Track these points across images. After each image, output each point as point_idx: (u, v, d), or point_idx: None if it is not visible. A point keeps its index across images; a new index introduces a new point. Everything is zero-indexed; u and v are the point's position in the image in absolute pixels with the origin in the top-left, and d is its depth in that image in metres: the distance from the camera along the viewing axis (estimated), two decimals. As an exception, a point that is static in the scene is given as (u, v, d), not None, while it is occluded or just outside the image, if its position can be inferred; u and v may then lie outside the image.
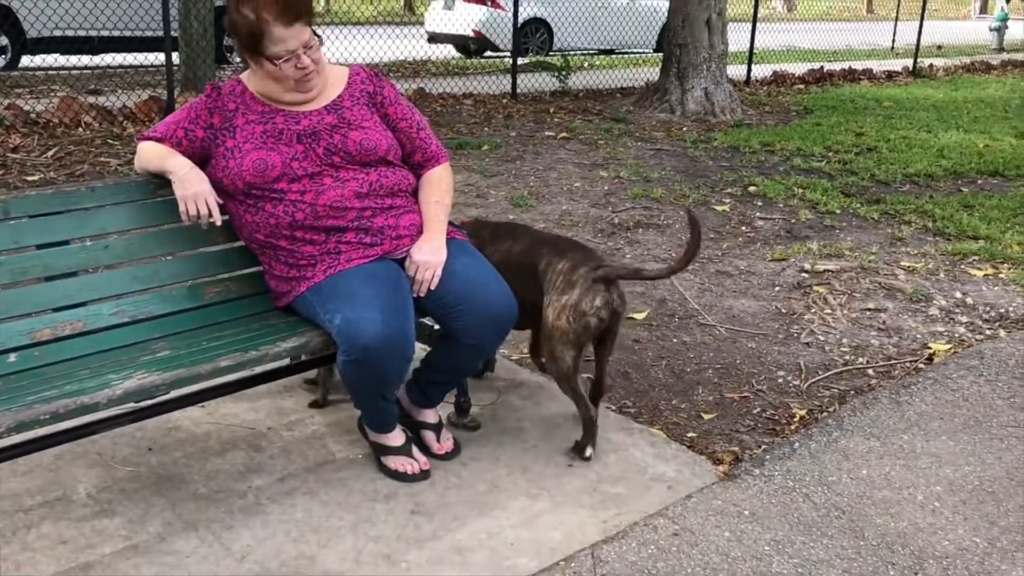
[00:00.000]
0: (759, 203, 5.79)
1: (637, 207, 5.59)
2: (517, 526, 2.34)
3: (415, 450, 2.59)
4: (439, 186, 2.58)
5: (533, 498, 2.46)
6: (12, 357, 2.17)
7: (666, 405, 3.07)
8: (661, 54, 10.05)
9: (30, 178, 5.58)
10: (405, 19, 22.85)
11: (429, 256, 2.44)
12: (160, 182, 2.46)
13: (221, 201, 2.42)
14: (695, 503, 2.45)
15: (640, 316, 3.83)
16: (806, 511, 2.42)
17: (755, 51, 12.10)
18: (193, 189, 2.37)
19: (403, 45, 12.20)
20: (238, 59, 11.62)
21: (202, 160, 2.45)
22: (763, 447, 2.79)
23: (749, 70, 12.00)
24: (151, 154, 2.45)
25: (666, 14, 13.03)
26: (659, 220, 5.31)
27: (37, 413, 1.91)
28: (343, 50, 9.82)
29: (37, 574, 2.10)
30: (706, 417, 2.99)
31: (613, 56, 15.54)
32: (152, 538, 2.25)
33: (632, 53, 15.97)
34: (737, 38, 10.93)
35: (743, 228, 5.23)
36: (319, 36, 2.41)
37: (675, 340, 3.62)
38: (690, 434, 2.87)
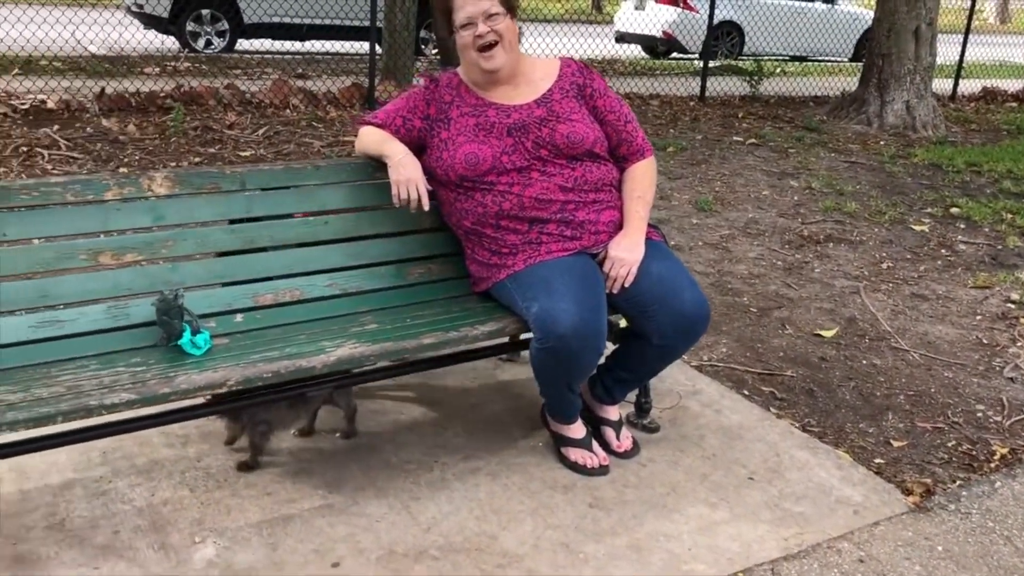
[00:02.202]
0: (961, 225, 5.46)
1: (828, 220, 5.40)
2: (695, 532, 2.33)
3: (595, 444, 2.62)
4: (642, 181, 2.59)
5: (712, 507, 2.44)
6: (239, 317, 2.36)
7: (852, 428, 2.97)
8: (858, 63, 9.62)
9: (243, 154, 5.99)
10: (593, 18, 22.90)
11: (626, 253, 2.46)
12: (377, 166, 2.59)
13: (430, 188, 2.54)
14: (883, 531, 2.36)
15: (828, 334, 3.71)
16: (1007, 555, 2.28)
17: (963, 65, 11.38)
18: (407, 175, 2.49)
19: (590, 44, 12.23)
20: (433, 51, 12.04)
21: (417, 148, 2.56)
22: (958, 482, 2.65)
23: (956, 84, 11.30)
24: (372, 138, 2.59)
25: (867, 22, 12.44)
26: (852, 235, 5.11)
27: (261, 371, 2.07)
28: (530, 46, 9.97)
29: (245, 519, 2.27)
30: (895, 444, 2.87)
31: (806, 63, 15.01)
32: (346, 500, 2.38)
33: (827, 61, 15.37)
34: (943, 51, 10.32)
35: (943, 251, 4.95)
36: (510, 14, 2.46)
37: (864, 362, 3.48)
38: (877, 460, 2.76)
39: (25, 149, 5.55)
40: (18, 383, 1.98)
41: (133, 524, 2.23)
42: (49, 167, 5.30)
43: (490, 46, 2.46)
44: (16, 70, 8.02)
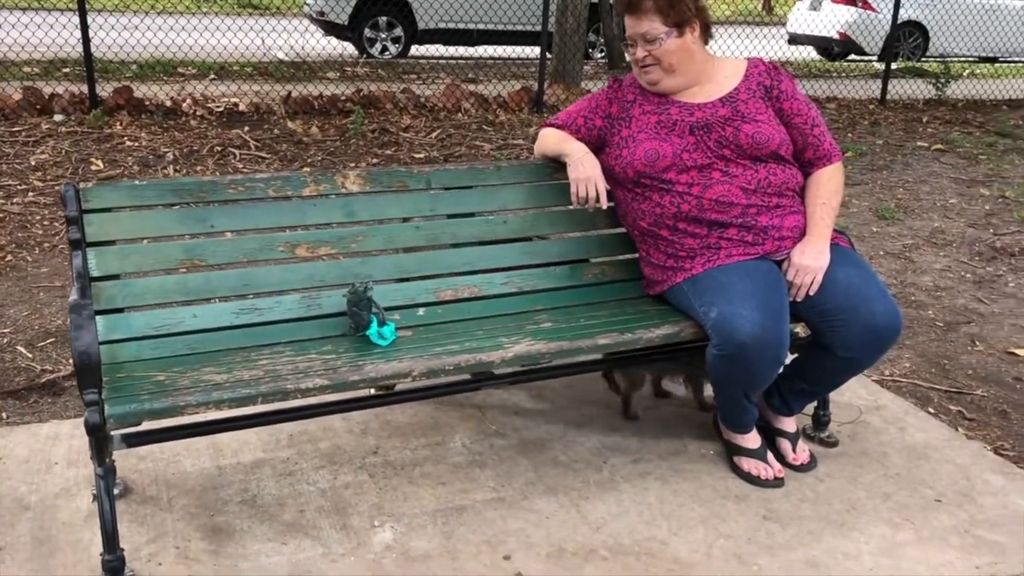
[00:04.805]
0: None
1: (1024, 232, 5.04)
2: (876, 553, 2.22)
3: (770, 456, 2.54)
4: (827, 187, 2.50)
5: (895, 527, 2.32)
6: (421, 311, 2.44)
7: (1053, 454, 2.75)
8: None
9: (417, 155, 6.19)
10: (763, 19, 22.29)
11: (811, 261, 2.38)
12: (556, 167, 2.62)
13: (608, 187, 2.54)
14: (1091, 568, 2.18)
15: (1025, 352, 3.46)
16: None
17: None
18: (586, 173, 2.50)
19: (761, 45, 11.90)
20: (598, 54, 12.05)
21: (597, 148, 2.57)
22: None
23: None
24: (552, 139, 2.62)
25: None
26: (1051, 249, 4.74)
27: (444, 363, 2.13)
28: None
29: (420, 507, 2.35)
30: (1103, 475, 2.64)
31: (998, 64, 14.04)
32: (516, 494, 2.42)
33: (1021, 62, 14.32)
34: None
35: None
36: (679, 31, 2.42)
37: (1066, 384, 3.22)
38: (1083, 491, 2.55)
39: (219, 149, 5.95)
40: (222, 364, 2.12)
41: (317, 504, 2.35)
42: (240, 165, 5.66)
43: (648, 65, 2.46)
44: (211, 75, 8.61)
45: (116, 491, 2.30)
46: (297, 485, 2.43)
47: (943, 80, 9.71)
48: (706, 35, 2.51)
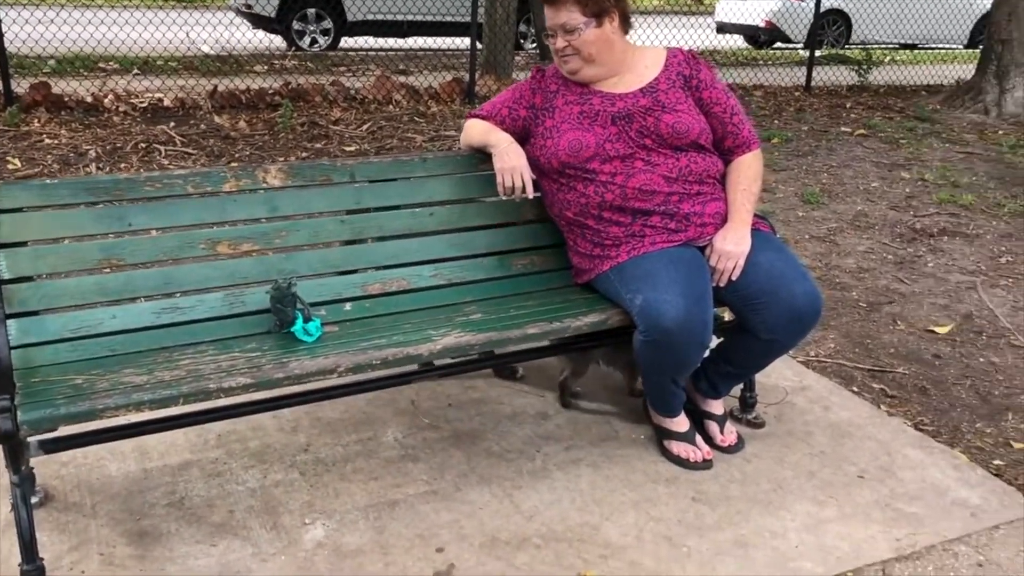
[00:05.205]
0: (1089, 219, 5.17)
1: (942, 213, 5.19)
2: (802, 530, 2.28)
3: (699, 438, 2.59)
4: (747, 173, 2.54)
5: (820, 504, 2.38)
6: (348, 306, 2.42)
7: (969, 428, 2.85)
8: (973, 50, 9.21)
9: (347, 148, 6.12)
10: (692, 9, 22.55)
11: (732, 246, 2.42)
12: (482, 157, 2.62)
13: (534, 176, 2.55)
14: (1004, 535, 2.26)
15: (943, 330, 3.57)
16: None
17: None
18: (511, 163, 2.50)
19: (690, 35, 12.07)
20: (531, 45, 12.06)
21: (522, 139, 2.58)
22: (1086, 487, 2.52)
23: (1082, 70, 10.67)
24: (477, 130, 2.61)
25: (984, 7, 11.92)
26: (968, 229, 4.90)
27: (371, 358, 2.11)
28: (629, 39, 9.86)
29: (352, 503, 2.33)
30: (1016, 446, 2.74)
31: (916, 51, 14.43)
32: (449, 486, 2.42)
33: (939, 48, 14.75)
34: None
35: (1068, 245, 4.70)
36: (597, 20, 2.44)
37: (982, 359, 3.34)
38: (997, 461, 2.64)
39: (144, 145, 5.81)
40: (143, 366, 2.08)
41: (247, 504, 2.32)
42: (166, 162, 5.54)
43: (568, 55, 2.48)
44: (135, 70, 8.40)
45: (36, 499, 2.24)
46: (226, 485, 2.39)
47: (865, 67, 9.94)
48: (625, 25, 2.53)
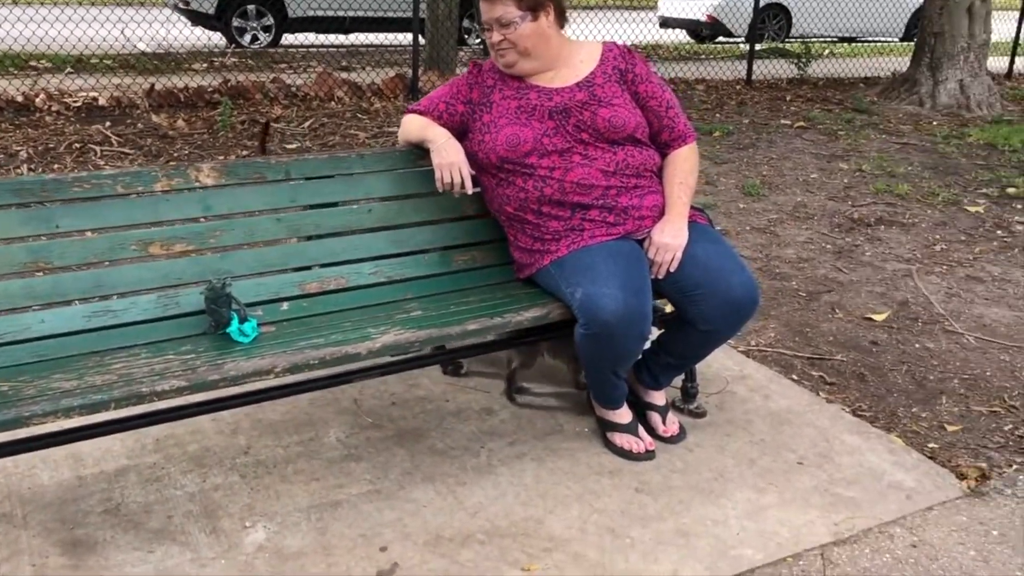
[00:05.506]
0: (1018, 206, 5.32)
1: (879, 203, 5.30)
2: (742, 517, 2.31)
3: (641, 430, 2.60)
4: (683, 167, 2.56)
5: (760, 491, 2.42)
6: (284, 306, 2.39)
7: (905, 412, 2.91)
8: (909, 43, 9.42)
9: (289, 146, 6.05)
10: (636, 3, 22.70)
11: (670, 239, 2.44)
12: (421, 153, 2.60)
13: (474, 172, 2.54)
14: (936, 516, 2.32)
15: (879, 317, 3.64)
16: (1066, 540, 2.23)
17: (1020, 41, 11.06)
18: (449, 158, 2.49)
19: (634, 29, 12.15)
20: (476, 41, 12.03)
21: (461, 134, 2.57)
22: (1015, 467, 2.59)
23: (1012, 62, 11.00)
24: (414, 125, 2.60)
25: (918, 1, 12.19)
26: (904, 218, 5.01)
27: (308, 358, 2.09)
28: (572, 34, 9.90)
29: (294, 504, 2.31)
30: (949, 429, 2.81)
31: (855, 44, 14.72)
32: (393, 485, 2.40)
33: (877, 41, 15.05)
34: (999, 28, 10.05)
35: (999, 232, 4.83)
36: (532, 14, 2.44)
37: (917, 345, 3.41)
38: (931, 444, 2.71)
39: (78, 146, 5.67)
40: (72, 371, 2.03)
41: (185, 509, 2.27)
42: (102, 163, 5.41)
43: (504, 49, 2.48)
44: (68, 69, 8.19)
45: (-36, 511, 2.18)
46: (164, 491, 2.35)
47: (804, 60, 10.10)
48: (561, 19, 2.53)
